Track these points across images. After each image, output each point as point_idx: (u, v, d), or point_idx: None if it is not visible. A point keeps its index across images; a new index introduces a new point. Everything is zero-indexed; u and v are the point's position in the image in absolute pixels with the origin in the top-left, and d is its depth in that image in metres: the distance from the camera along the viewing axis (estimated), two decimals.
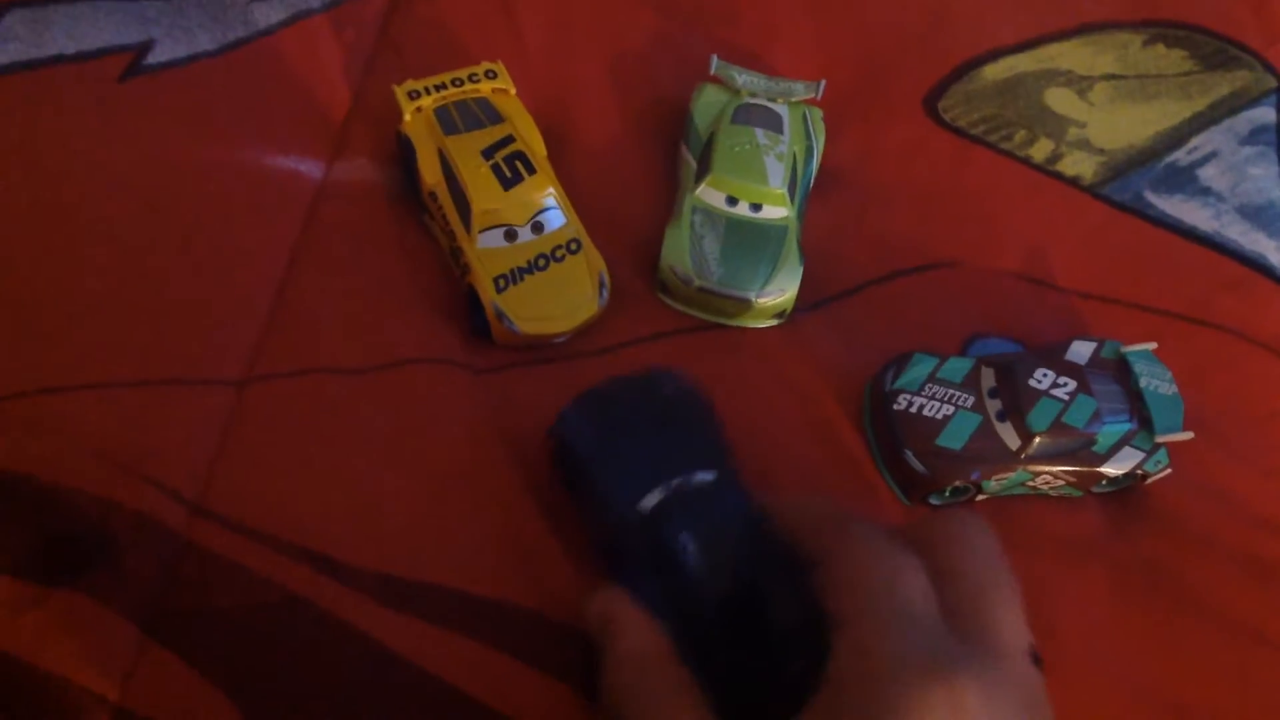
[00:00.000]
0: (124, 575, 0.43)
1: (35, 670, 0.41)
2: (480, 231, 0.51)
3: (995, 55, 0.66)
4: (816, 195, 0.58)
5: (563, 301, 0.52)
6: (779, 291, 0.53)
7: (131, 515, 0.44)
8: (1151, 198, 0.61)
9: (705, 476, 0.45)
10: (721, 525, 0.44)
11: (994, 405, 0.50)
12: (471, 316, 0.52)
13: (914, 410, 0.49)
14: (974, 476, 0.48)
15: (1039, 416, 0.48)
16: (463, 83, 0.55)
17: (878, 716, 0.34)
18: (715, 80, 0.58)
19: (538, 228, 0.52)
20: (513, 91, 0.56)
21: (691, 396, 0.48)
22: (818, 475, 0.50)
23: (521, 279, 0.51)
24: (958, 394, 0.50)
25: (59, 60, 0.57)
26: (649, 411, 0.47)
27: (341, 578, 0.44)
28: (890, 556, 0.38)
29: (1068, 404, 0.49)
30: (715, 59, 0.57)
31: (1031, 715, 0.35)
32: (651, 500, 0.44)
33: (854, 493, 0.50)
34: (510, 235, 0.52)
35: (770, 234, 0.54)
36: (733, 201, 0.54)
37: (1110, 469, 0.50)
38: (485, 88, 0.56)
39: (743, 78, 0.57)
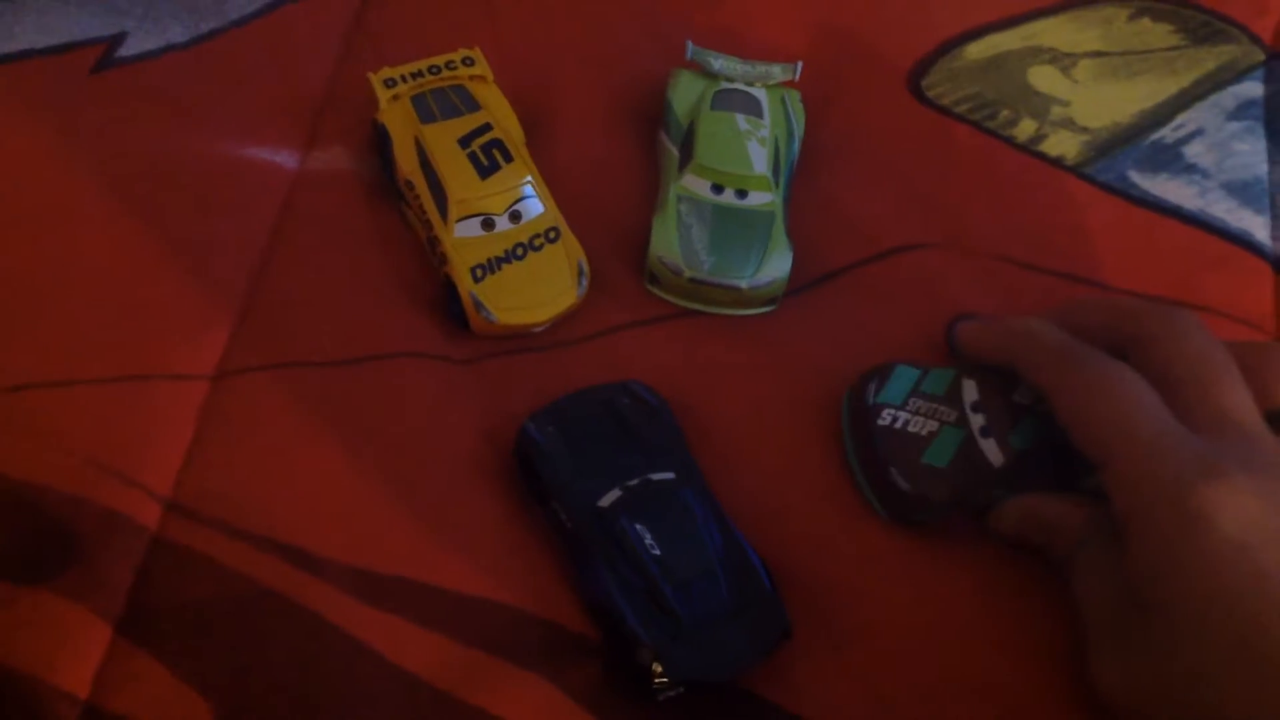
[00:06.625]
0: (95, 573, 0.43)
1: (3, 668, 0.40)
2: (457, 221, 0.51)
3: (979, 33, 0.65)
4: (800, 178, 0.57)
5: (541, 290, 0.51)
6: (770, 279, 0.52)
7: (103, 512, 0.44)
8: (1136, 178, 0.60)
9: (664, 476, 0.46)
10: (679, 515, 0.44)
11: (977, 420, 0.47)
12: (449, 307, 0.51)
13: (898, 426, 0.47)
14: (960, 494, 0.46)
15: (1022, 433, 0.46)
16: (440, 70, 0.55)
17: (1173, 539, 0.37)
18: (691, 66, 0.57)
19: (515, 216, 0.52)
20: (490, 78, 0.56)
21: (650, 406, 0.48)
22: (796, 469, 0.50)
23: (499, 268, 0.51)
24: (941, 408, 0.47)
25: (28, 55, 0.57)
26: (607, 422, 0.47)
27: (316, 571, 0.44)
28: (1118, 381, 0.40)
29: (1052, 419, 0.47)
30: (690, 44, 0.57)
31: None
32: (609, 499, 0.44)
33: (831, 490, 0.49)
34: (488, 224, 0.52)
35: (757, 220, 0.53)
36: (718, 189, 0.53)
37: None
38: (463, 75, 0.55)
39: (719, 62, 0.57)
